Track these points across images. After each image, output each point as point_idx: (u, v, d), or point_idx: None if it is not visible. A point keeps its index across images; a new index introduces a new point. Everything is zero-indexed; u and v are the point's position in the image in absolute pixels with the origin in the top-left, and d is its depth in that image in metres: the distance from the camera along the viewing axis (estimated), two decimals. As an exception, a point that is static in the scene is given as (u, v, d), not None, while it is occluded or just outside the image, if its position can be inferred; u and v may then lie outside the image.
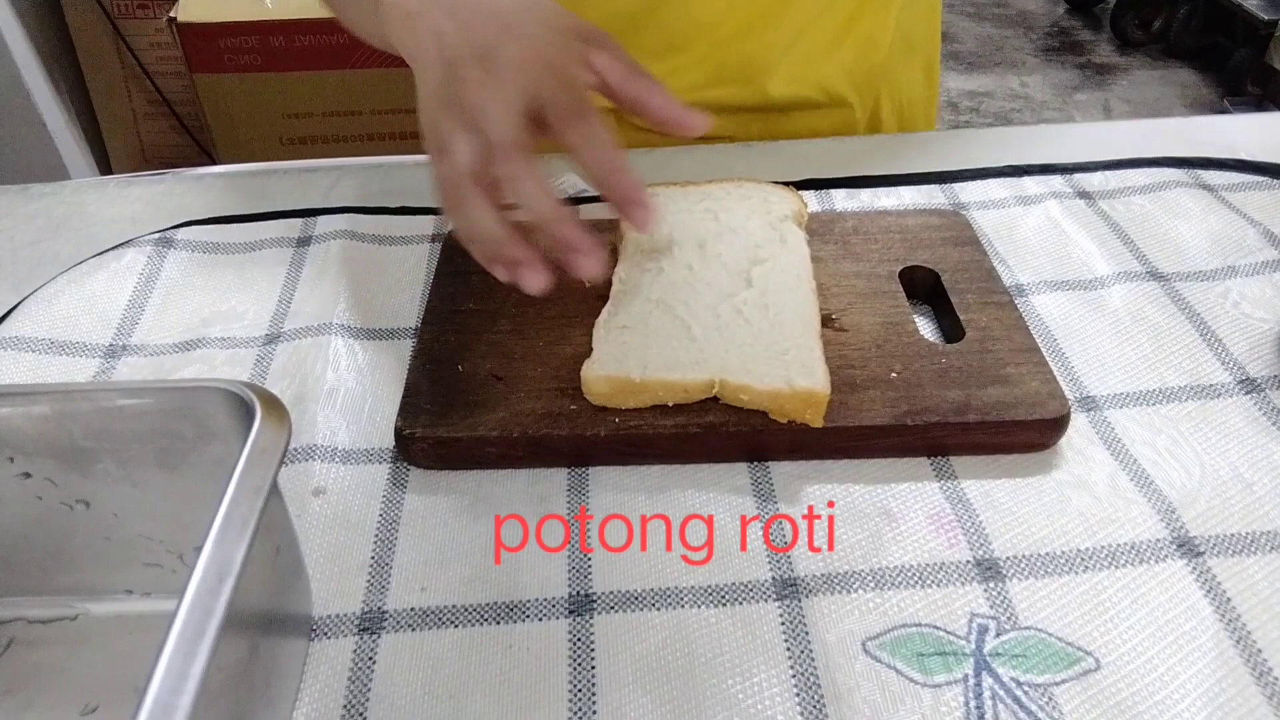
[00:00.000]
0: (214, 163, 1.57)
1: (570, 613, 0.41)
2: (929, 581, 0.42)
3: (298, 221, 0.64)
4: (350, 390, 0.52)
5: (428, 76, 0.47)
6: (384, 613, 0.41)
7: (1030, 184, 0.67)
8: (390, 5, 0.50)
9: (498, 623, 0.41)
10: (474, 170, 0.44)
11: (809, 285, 0.52)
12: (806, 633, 0.40)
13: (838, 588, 0.42)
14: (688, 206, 0.58)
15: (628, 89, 0.48)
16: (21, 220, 0.66)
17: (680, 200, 0.58)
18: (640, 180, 0.45)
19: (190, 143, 2.04)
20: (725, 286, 0.52)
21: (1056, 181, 0.67)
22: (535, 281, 0.45)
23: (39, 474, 0.38)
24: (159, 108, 2.00)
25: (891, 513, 0.45)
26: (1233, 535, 0.44)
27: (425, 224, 0.64)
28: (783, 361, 0.47)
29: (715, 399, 0.47)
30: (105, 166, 2.03)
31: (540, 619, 0.41)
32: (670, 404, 0.47)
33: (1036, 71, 3.05)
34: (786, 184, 0.60)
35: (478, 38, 0.46)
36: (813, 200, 0.66)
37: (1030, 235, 0.62)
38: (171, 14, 1.74)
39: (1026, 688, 0.38)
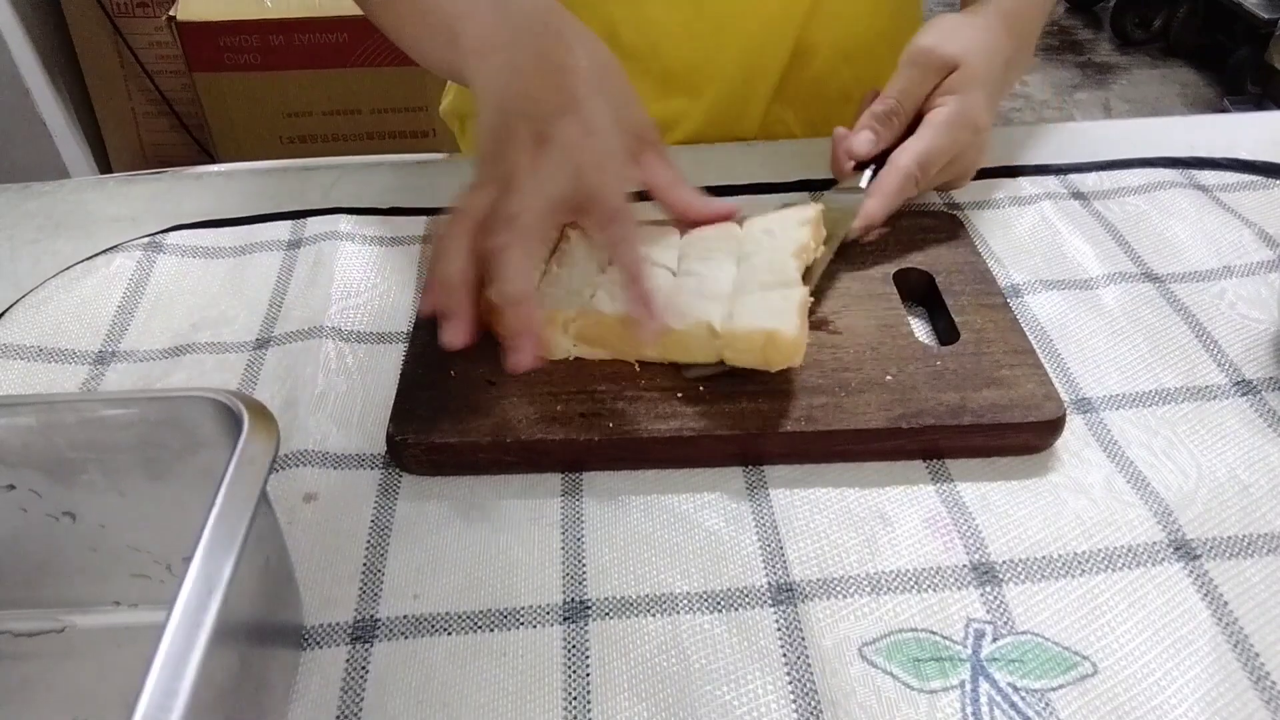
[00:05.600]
0: (213, 161, 1.57)
1: (565, 619, 0.41)
2: (925, 586, 0.42)
3: (288, 224, 0.64)
4: (341, 395, 0.51)
5: (486, 116, 0.49)
6: (376, 621, 0.41)
7: (1025, 184, 0.66)
8: (467, 38, 0.51)
9: (491, 630, 0.41)
10: (479, 221, 0.46)
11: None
12: (803, 638, 0.40)
13: (834, 592, 0.42)
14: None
15: (670, 196, 0.55)
16: (21, 219, 0.66)
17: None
18: (655, 292, 0.47)
19: (190, 141, 2.04)
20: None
21: (1051, 182, 0.67)
22: (455, 337, 0.47)
23: (24, 485, 0.37)
24: (159, 106, 2.00)
25: (887, 516, 0.45)
26: (1229, 538, 0.43)
27: (417, 225, 0.64)
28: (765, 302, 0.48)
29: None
30: (105, 165, 2.03)
31: (534, 625, 0.41)
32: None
33: (1036, 70, 3.04)
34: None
35: (541, 102, 0.48)
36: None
37: (1025, 236, 0.62)
38: (171, 13, 1.74)
39: (1024, 693, 0.38)
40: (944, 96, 0.60)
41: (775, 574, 0.42)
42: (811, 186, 0.67)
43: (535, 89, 0.48)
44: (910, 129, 0.60)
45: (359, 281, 0.59)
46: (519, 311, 0.46)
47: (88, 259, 0.61)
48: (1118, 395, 0.50)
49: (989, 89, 0.61)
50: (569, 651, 0.40)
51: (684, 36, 0.72)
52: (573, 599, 0.42)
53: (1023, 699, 0.38)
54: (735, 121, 0.77)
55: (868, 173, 0.61)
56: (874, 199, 0.58)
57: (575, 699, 0.38)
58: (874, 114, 0.61)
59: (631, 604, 0.41)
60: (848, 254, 0.57)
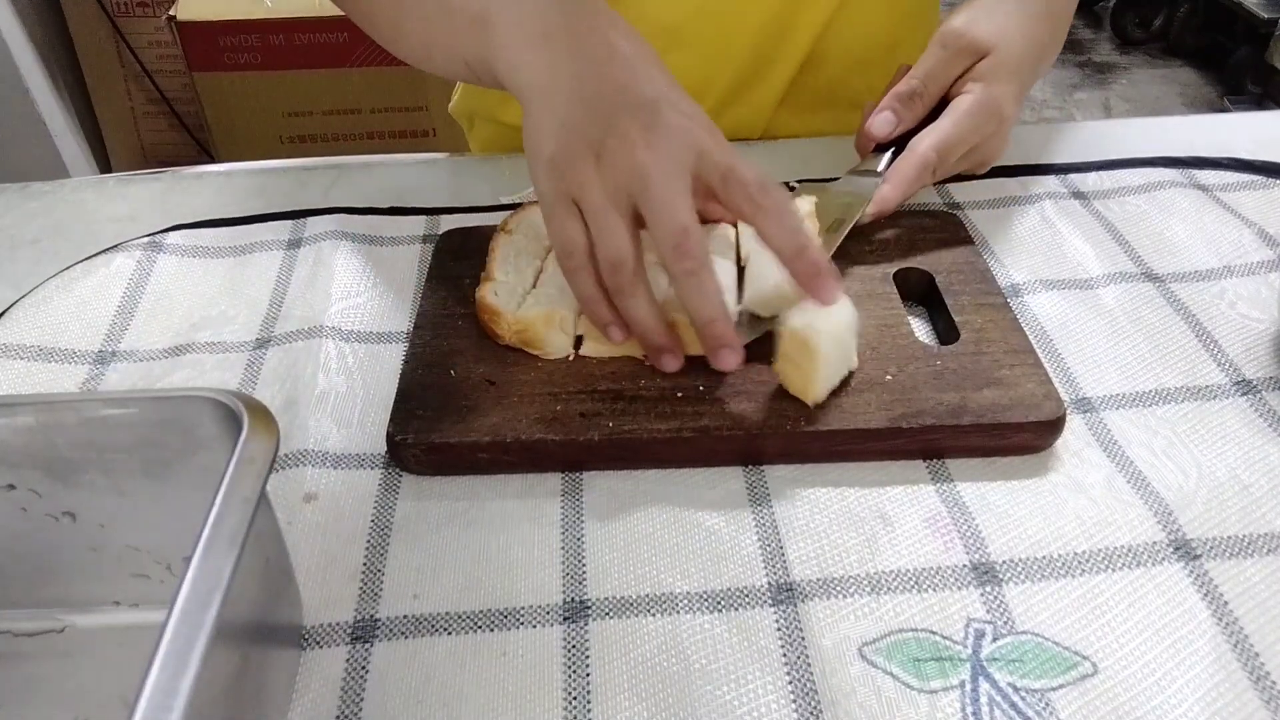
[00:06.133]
0: (213, 161, 1.57)
1: (565, 619, 0.41)
2: (925, 586, 0.42)
3: (288, 223, 0.64)
4: (342, 395, 0.51)
5: (553, 111, 0.45)
6: (376, 621, 0.41)
7: (1025, 184, 0.66)
8: (506, 25, 0.47)
9: (492, 630, 0.41)
10: (636, 256, 0.45)
11: None
12: (803, 638, 0.40)
13: (834, 592, 0.42)
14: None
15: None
16: (21, 218, 0.66)
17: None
18: (824, 254, 0.45)
19: (189, 141, 2.04)
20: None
21: (1051, 182, 0.67)
22: (676, 364, 0.47)
23: (24, 485, 0.37)
24: (159, 106, 2.01)
25: (887, 516, 0.45)
26: (1230, 538, 0.43)
27: (416, 224, 0.64)
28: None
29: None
30: (105, 165, 2.03)
31: (534, 625, 0.41)
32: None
33: (1035, 68, 3.04)
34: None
35: (632, 90, 0.44)
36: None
37: (1025, 235, 0.62)
38: (171, 12, 1.74)
39: (1024, 693, 0.38)
40: (971, 83, 0.58)
41: (775, 574, 0.42)
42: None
43: (622, 77, 0.45)
44: (937, 111, 0.59)
45: (359, 281, 0.59)
46: (714, 329, 0.45)
47: (88, 259, 0.61)
48: (1118, 395, 0.50)
49: (1019, 78, 0.59)
50: (569, 651, 0.40)
51: (689, 39, 0.72)
52: (573, 599, 0.42)
53: (1023, 699, 0.38)
54: (738, 125, 0.77)
55: (886, 155, 0.60)
56: (889, 185, 0.57)
57: (575, 699, 0.38)
58: (897, 94, 0.59)
59: (631, 604, 0.41)
60: (848, 253, 0.57)
